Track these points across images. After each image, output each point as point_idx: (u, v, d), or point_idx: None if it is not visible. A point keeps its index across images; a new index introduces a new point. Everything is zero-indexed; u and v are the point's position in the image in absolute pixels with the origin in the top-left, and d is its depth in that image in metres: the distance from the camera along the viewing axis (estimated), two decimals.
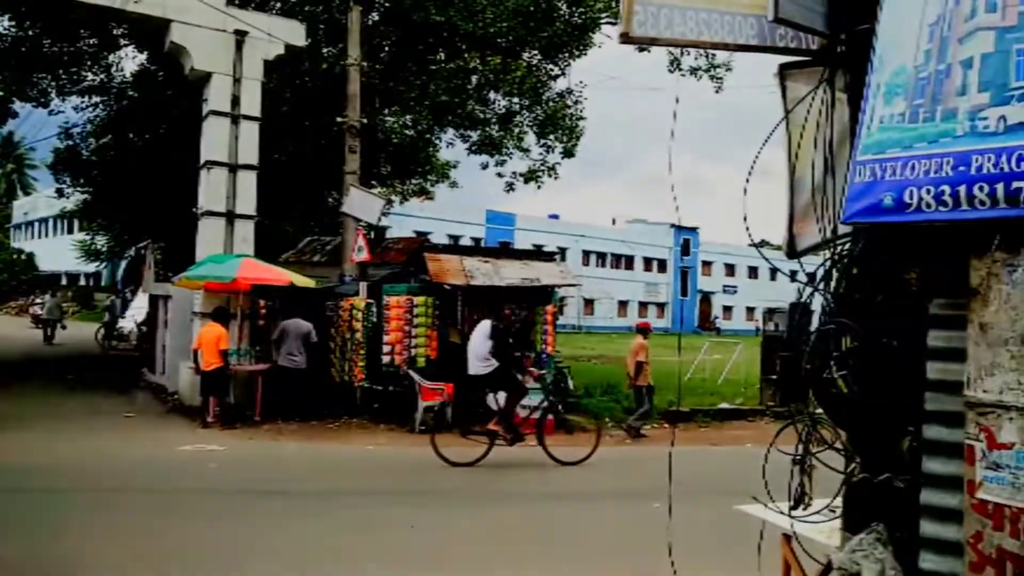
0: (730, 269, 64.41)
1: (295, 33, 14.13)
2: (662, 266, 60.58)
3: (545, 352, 13.06)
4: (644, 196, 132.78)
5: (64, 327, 26.66)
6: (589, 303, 54.98)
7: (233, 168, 13.34)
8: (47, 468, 8.70)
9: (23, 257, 52.17)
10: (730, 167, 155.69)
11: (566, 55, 19.39)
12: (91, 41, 18.93)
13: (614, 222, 62.37)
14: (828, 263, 3.02)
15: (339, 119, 15.16)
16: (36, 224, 56.44)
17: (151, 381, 16.41)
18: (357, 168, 14.98)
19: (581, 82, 23.12)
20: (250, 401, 12.35)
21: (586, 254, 56.20)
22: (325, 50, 18.53)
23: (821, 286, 3.00)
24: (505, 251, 15.41)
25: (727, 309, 64.07)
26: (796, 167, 3.29)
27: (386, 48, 18.44)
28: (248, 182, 13.47)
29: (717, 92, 18.55)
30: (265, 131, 14.22)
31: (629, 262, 59.26)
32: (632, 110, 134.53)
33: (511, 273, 12.94)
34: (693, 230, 60.79)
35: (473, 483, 8.78)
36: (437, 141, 22.78)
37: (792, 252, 3.36)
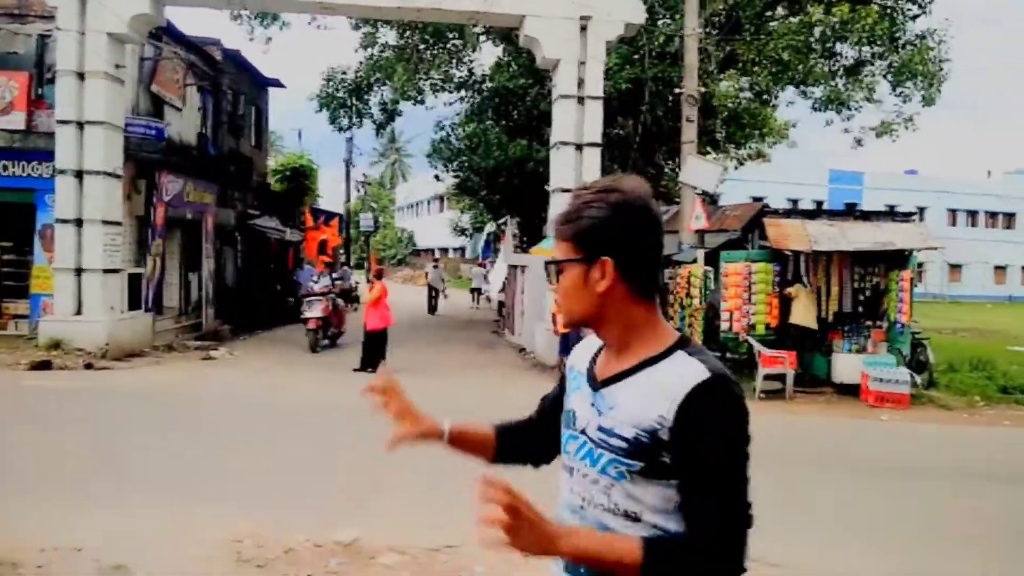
0: None
1: (635, 11, 14.60)
2: None
3: (900, 323, 12.11)
4: None
5: (446, 296, 30.79)
6: (956, 269, 48.40)
7: (579, 146, 14.37)
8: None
9: (406, 235, 61.95)
10: None
11: None
12: (456, 42, 21.62)
13: (989, 175, 53.76)
14: None
15: (676, 90, 15.44)
16: (415, 206, 65.66)
17: (510, 341, 18.52)
18: (694, 137, 15.15)
19: (947, 19, 20.41)
20: None
21: (952, 213, 49.49)
22: (661, 22, 18.90)
23: None
24: (853, 213, 14.41)
25: None
26: None
27: (722, 13, 18.18)
28: (593, 159, 14.40)
29: None
30: (607, 107, 15.04)
31: (1009, 220, 50.77)
32: (1016, 47, 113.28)
33: (860, 236, 12.19)
34: None
35: (833, 451, 8.66)
36: (775, 101, 21.92)
37: None
